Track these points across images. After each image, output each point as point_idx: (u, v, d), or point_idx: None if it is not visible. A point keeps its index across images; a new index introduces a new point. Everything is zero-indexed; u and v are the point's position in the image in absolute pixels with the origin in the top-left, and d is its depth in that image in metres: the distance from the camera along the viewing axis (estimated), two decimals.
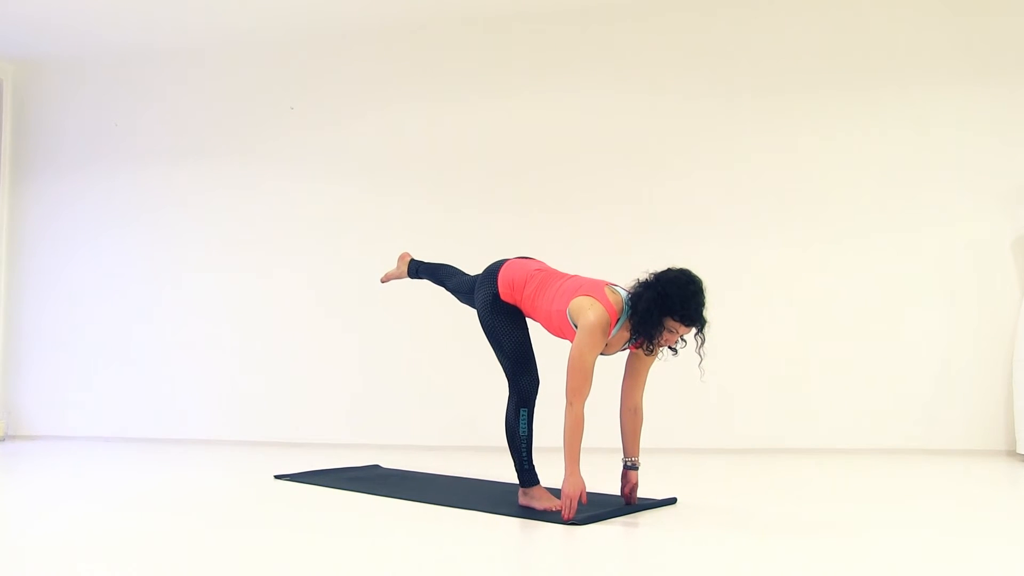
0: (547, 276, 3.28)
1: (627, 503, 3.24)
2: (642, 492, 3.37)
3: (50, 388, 6.06)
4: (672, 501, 3.31)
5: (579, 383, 3.02)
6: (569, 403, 3.02)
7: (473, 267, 3.64)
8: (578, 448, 3.02)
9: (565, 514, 2.95)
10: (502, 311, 3.29)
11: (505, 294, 3.30)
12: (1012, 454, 4.82)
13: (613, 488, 3.37)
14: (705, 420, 5.14)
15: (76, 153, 6.14)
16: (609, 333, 3.05)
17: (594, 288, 3.11)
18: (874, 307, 5.08)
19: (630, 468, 3.26)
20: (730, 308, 5.02)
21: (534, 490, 3.17)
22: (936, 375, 5.00)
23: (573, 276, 3.26)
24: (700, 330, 3.01)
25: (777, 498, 3.59)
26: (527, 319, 3.34)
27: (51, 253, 6.12)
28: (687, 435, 5.11)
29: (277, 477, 4.02)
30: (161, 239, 5.96)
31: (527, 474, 3.19)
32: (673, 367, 5.38)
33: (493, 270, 3.39)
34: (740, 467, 4.44)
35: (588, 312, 3.02)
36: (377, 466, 4.40)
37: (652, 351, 3.08)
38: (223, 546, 2.71)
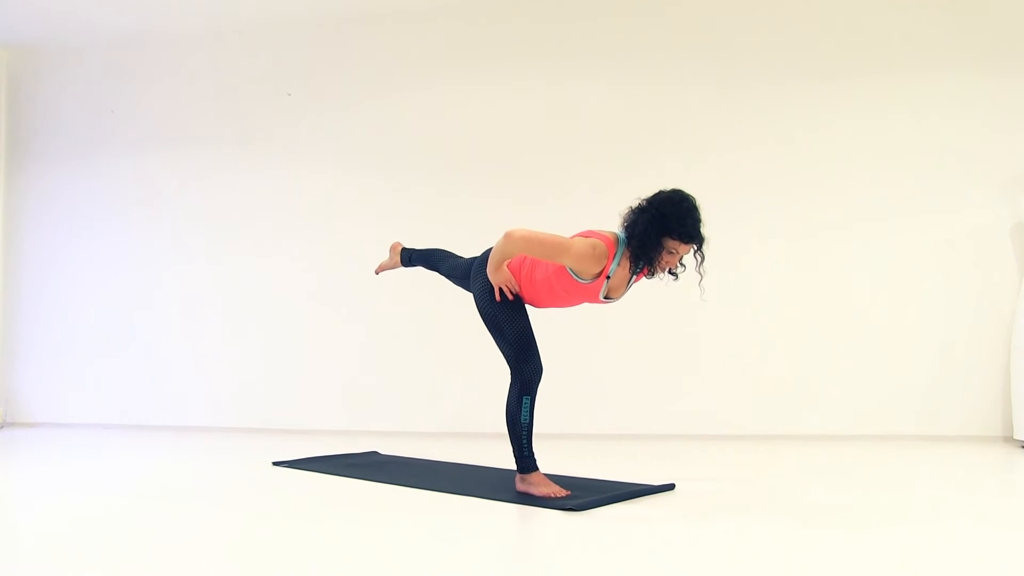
0: None
1: None
2: (640, 478, 3.38)
3: (49, 375, 6.05)
4: (670, 487, 3.31)
5: (546, 237, 3.02)
6: (507, 235, 3.05)
7: (469, 253, 3.62)
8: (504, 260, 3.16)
9: (498, 296, 3.22)
10: (502, 297, 3.28)
11: None
12: (1009, 440, 4.84)
13: (603, 472, 3.37)
14: (705, 406, 5.14)
15: (72, 139, 6.11)
16: (607, 268, 3.06)
17: (586, 232, 3.16)
18: (873, 294, 5.08)
19: None
20: (730, 296, 5.03)
21: (532, 476, 3.17)
22: (935, 362, 5.01)
23: None
24: (699, 247, 3.02)
25: (776, 484, 3.59)
26: (527, 307, 3.33)
27: (48, 240, 6.10)
28: (686, 421, 5.12)
29: (275, 464, 4.03)
30: (159, 225, 5.94)
31: (526, 460, 3.18)
32: (671, 357, 5.35)
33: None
34: (739, 454, 4.44)
35: (584, 239, 3.05)
36: (375, 452, 4.41)
37: (654, 274, 3.11)
38: (222, 532, 2.71)
